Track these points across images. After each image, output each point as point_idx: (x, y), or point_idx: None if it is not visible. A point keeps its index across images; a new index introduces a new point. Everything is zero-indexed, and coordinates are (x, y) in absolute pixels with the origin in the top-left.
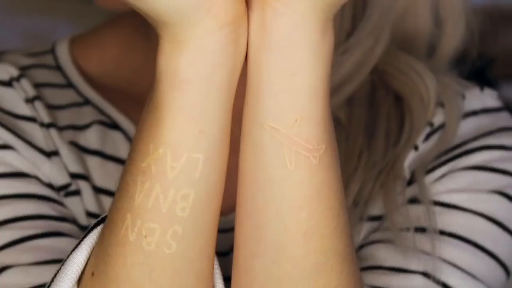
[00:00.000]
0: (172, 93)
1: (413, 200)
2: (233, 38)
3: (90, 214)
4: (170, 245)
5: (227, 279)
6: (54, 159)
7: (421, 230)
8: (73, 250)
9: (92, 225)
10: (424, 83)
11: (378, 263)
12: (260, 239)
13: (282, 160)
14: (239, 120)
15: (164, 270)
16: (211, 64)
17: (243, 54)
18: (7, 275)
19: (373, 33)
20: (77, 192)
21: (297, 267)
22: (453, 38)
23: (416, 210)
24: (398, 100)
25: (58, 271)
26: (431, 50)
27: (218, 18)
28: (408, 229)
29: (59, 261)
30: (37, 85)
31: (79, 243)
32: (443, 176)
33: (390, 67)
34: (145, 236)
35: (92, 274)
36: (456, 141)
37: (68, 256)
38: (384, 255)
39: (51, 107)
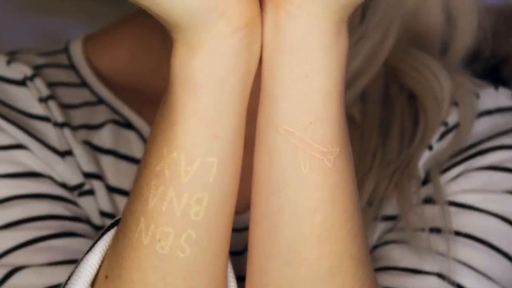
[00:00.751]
0: (186, 96)
1: (428, 200)
2: (247, 42)
3: (103, 214)
4: (184, 249)
5: (240, 279)
6: (68, 158)
7: (436, 230)
8: (87, 252)
9: (106, 227)
10: (438, 81)
11: (393, 264)
12: (274, 241)
13: (296, 163)
14: (253, 121)
15: (178, 274)
16: (225, 68)
17: (257, 57)
18: (20, 275)
19: (381, 26)
20: (90, 192)
21: (311, 270)
22: (465, 37)
23: (431, 211)
24: (412, 98)
25: (72, 273)
26: (444, 49)
27: (232, 21)
28: (423, 230)
29: (72, 262)
30: (50, 84)
31: (93, 246)
32: (458, 176)
33: (404, 65)
34: (159, 240)
35: (106, 277)
36: (471, 140)
37: (82, 259)
38: (398, 255)
39: (64, 107)
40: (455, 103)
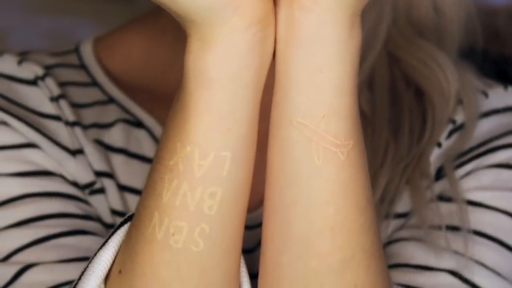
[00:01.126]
0: (200, 91)
1: (442, 197)
2: (261, 37)
3: (114, 212)
4: (197, 243)
5: (253, 276)
6: (79, 157)
7: (451, 228)
8: (100, 248)
9: (119, 223)
10: (445, 76)
11: (404, 261)
12: (287, 235)
13: (310, 156)
14: (266, 115)
15: (191, 268)
16: (239, 63)
17: (271, 52)
18: (32, 273)
19: (374, 8)
20: (101, 190)
21: (324, 263)
22: (453, 26)
23: (446, 208)
24: (419, 93)
25: (85, 269)
26: (439, 40)
27: (246, 16)
28: (436, 227)
29: (84, 259)
30: (61, 84)
31: (106, 241)
32: (467, 174)
33: (410, 56)
34: (173, 234)
35: (120, 271)
36: (481, 139)
37: (95, 254)
38: (410, 253)
39: (75, 106)
40: (460, 101)
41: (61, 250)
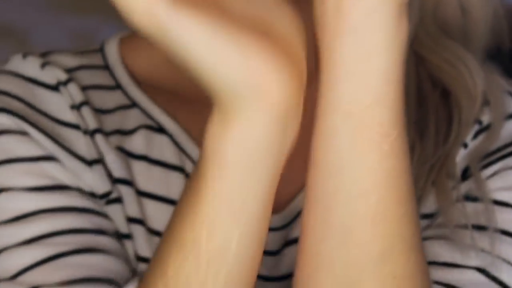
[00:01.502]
0: (213, 171)
1: (469, 197)
2: (284, 124)
3: (131, 220)
4: None
5: (277, 279)
6: (95, 167)
7: (478, 227)
8: None
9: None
10: (472, 77)
11: (431, 259)
12: (328, 223)
13: (353, 145)
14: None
15: None
16: (255, 148)
17: (291, 142)
18: None
19: None
20: (118, 200)
21: (364, 252)
22: (480, 26)
23: (472, 207)
24: (445, 93)
25: None
26: (465, 41)
27: (270, 101)
28: (462, 226)
29: (91, 280)
30: (85, 88)
31: None
32: (494, 174)
33: (436, 57)
34: None
35: None
36: (507, 139)
37: None
38: (437, 250)
39: (98, 112)
40: (487, 102)
41: (69, 269)
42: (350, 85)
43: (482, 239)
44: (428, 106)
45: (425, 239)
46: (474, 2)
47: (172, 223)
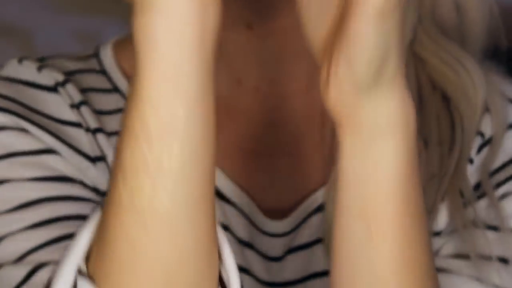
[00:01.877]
0: (150, 56)
1: (488, 226)
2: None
3: None
4: (162, 202)
5: (280, 285)
6: (99, 164)
7: (501, 260)
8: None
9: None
10: (473, 82)
11: None
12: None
13: (369, 239)
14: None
15: (161, 231)
16: (182, 30)
17: (215, 18)
18: (44, 272)
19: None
20: None
21: None
22: (477, 26)
23: (492, 236)
24: (445, 99)
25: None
26: (462, 42)
27: None
28: (485, 257)
29: None
30: (83, 90)
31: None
32: (505, 195)
33: (437, 59)
34: (136, 193)
35: (96, 244)
36: None
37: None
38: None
39: (98, 112)
40: (487, 109)
41: None
42: (361, 191)
43: (507, 276)
44: (429, 111)
45: (447, 270)
46: (470, 2)
47: (123, 118)
